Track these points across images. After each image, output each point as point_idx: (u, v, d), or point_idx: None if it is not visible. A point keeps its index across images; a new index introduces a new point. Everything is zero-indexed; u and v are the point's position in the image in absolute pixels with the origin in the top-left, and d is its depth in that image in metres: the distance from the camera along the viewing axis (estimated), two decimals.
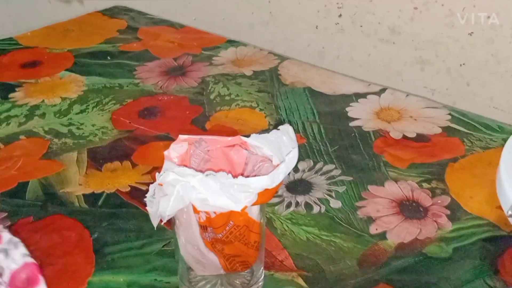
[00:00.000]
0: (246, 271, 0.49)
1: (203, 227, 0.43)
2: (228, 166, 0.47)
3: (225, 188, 0.41)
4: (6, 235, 0.47)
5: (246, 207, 0.41)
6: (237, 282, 0.49)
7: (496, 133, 0.72)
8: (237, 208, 0.41)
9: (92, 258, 0.55)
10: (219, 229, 0.43)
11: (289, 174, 0.63)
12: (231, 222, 0.43)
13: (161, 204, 0.42)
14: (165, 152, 0.44)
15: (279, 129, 0.46)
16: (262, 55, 0.94)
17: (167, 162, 0.43)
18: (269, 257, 0.54)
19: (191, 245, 0.45)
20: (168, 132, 0.73)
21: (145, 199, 0.45)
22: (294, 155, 0.43)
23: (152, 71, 0.89)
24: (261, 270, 0.50)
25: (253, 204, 0.42)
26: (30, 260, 0.45)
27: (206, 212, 0.42)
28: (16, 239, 0.47)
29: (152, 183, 0.44)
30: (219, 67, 0.90)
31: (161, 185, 0.42)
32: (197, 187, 0.41)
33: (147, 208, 0.45)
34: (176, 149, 0.45)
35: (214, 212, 0.42)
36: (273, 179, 0.41)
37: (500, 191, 0.49)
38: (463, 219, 0.59)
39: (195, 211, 0.42)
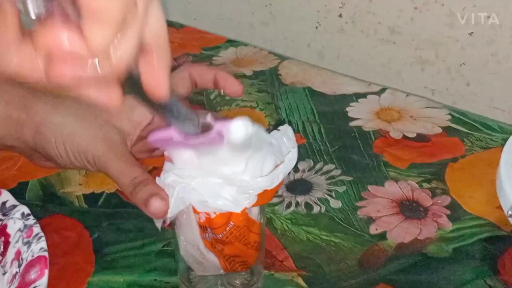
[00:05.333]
0: (246, 271, 0.49)
1: (203, 228, 0.43)
2: None
3: (225, 189, 0.41)
4: (36, 229, 0.49)
5: (246, 208, 0.41)
6: (237, 282, 0.49)
7: (496, 133, 0.72)
8: (237, 209, 0.41)
9: (92, 258, 0.55)
10: (219, 229, 0.43)
11: (289, 174, 0.63)
12: (231, 223, 0.43)
13: None
14: (165, 153, 0.44)
15: (279, 130, 0.46)
16: (262, 55, 0.94)
17: (167, 163, 0.43)
18: (269, 257, 0.54)
19: (191, 246, 0.45)
20: None
21: None
22: (293, 155, 0.43)
23: None
24: (261, 270, 0.50)
25: (254, 205, 0.42)
26: (44, 254, 0.46)
27: (206, 213, 0.42)
28: (41, 234, 0.48)
29: None
30: (219, 67, 0.90)
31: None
32: (197, 188, 0.41)
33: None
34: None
35: (214, 213, 0.42)
36: (273, 179, 0.41)
37: (500, 191, 0.49)
38: (463, 219, 0.59)
39: (195, 211, 0.42)
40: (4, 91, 0.47)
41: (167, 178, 0.41)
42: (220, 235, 0.43)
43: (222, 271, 0.47)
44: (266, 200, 0.43)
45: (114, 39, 0.28)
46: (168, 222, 0.43)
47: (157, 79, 0.32)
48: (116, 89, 0.30)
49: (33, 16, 0.27)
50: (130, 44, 0.29)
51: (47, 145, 0.47)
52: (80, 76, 0.28)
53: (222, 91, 0.51)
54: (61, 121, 0.47)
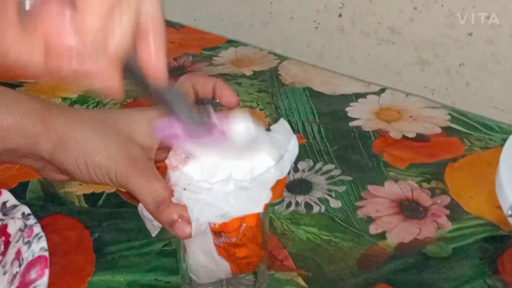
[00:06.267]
0: (248, 273, 0.49)
1: (217, 233, 0.43)
2: None
3: (242, 193, 0.41)
4: (37, 229, 0.49)
5: (266, 205, 0.42)
6: (241, 283, 0.49)
7: (496, 133, 0.72)
8: (259, 208, 0.41)
9: (92, 258, 0.55)
10: (233, 233, 0.43)
11: (289, 174, 0.63)
12: (243, 225, 0.43)
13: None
14: (166, 161, 0.44)
15: (270, 130, 0.47)
16: (262, 55, 0.94)
17: (173, 174, 0.43)
18: (269, 257, 0.54)
19: (204, 254, 0.45)
20: None
21: (139, 208, 0.45)
22: (294, 142, 0.44)
23: None
24: (265, 271, 0.50)
25: (271, 200, 0.42)
26: (44, 253, 0.46)
27: None
28: (42, 234, 0.48)
29: None
30: (219, 67, 0.90)
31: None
32: (213, 203, 0.41)
33: (142, 218, 0.45)
34: (175, 157, 0.45)
35: None
36: (282, 168, 0.42)
37: (499, 191, 0.49)
38: (463, 219, 0.59)
39: None
40: (20, 103, 0.46)
41: (181, 197, 0.41)
42: (234, 239, 0.43)
43: (230, 275, 0.47)
44: (279, 194, 0.43)
45: (108, 22, 0.28)
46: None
47: (154, 62, 0.32)
48: (117, 77, 0.30)
49: (27, 7, 0.28)
50: (126, 30, 0.30)
51: (67, 162, 0.46)
52: (77, 68, 0.28)
53: (218, 100, 0.52)
54: (82, 137, 0.46)
